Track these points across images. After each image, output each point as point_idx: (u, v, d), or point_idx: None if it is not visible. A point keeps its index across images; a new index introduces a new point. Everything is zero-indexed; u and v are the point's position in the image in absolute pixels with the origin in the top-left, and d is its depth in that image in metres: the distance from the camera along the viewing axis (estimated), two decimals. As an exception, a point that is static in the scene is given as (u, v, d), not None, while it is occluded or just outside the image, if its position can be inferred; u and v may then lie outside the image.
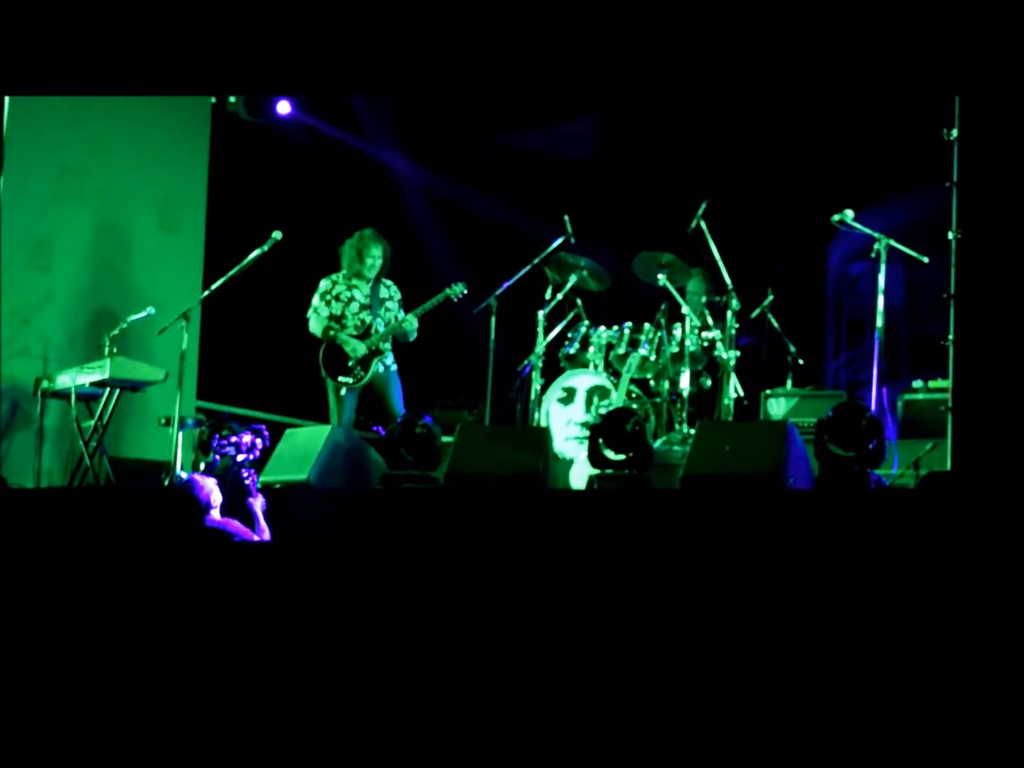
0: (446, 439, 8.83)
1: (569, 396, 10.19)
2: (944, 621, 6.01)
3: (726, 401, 9.95)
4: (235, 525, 7.20)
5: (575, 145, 12.34)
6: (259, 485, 7.57)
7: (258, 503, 7.36)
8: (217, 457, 7.44)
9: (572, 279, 10.51)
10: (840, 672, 5.97)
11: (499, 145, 12.47)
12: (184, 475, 8.57)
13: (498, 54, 7.75)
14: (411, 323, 9.97)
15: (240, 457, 7.38)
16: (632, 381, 10.04)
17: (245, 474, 7.38)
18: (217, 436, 7.49)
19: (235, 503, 7.27)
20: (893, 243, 9.33)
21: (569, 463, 9.85)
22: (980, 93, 7.61)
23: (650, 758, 5.97)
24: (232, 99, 11.97)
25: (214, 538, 7.11)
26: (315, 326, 9.99)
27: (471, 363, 11.19)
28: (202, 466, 8.55)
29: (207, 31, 7.76)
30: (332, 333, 9.88)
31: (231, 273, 9.62)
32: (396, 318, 10.05)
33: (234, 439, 7.42)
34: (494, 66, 7.90)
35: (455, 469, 8.44)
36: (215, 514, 7.21)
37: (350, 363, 9.82)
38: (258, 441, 7.46)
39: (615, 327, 10.25)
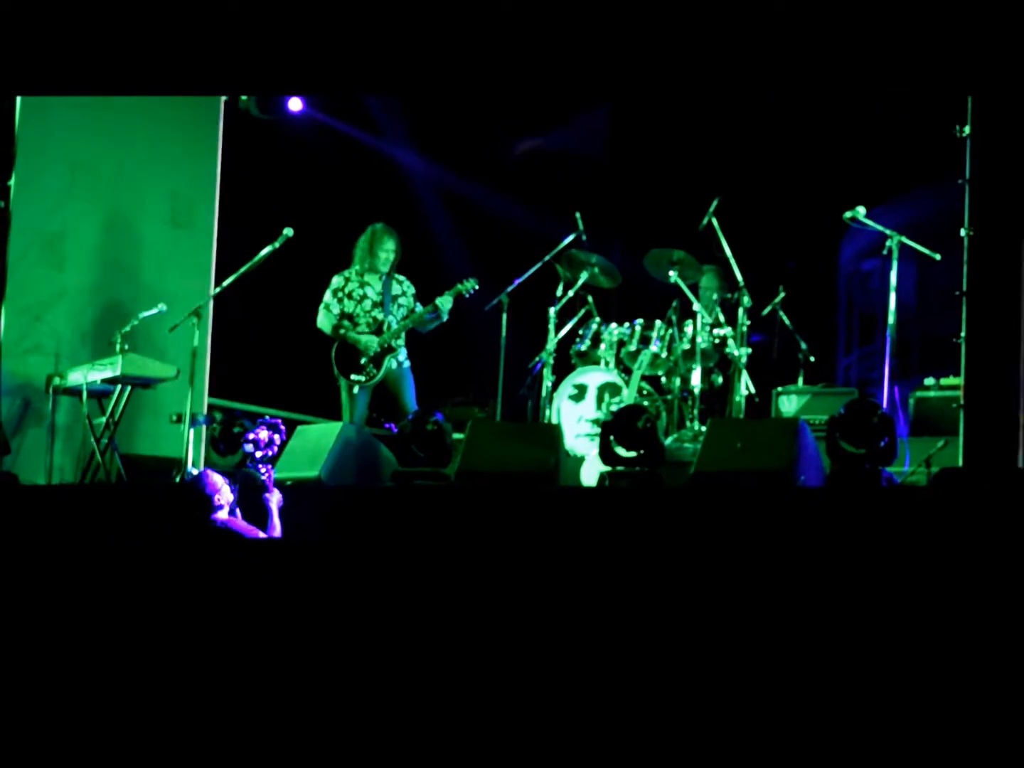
0: (457, 436, 8.83)
1: (580, 393, 10.18)
2: (955, 617, 6.00)
3: (737, 398, 9.95)
4: (240, 525, 7.17)
5: (587, 142, 12.33)
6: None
7: (275, 499, 7.32)
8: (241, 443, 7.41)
9: (583, 276, 10.50)
10: (851, 668, 5.97)
11: (511, 142, 12.46)
12: (195, 470, 8.56)
13: (509, 49, 7.75)
14: (446, 301, 9.85)
15: (258, 454, 7.35)
16: (643, 378, 10.02)
17: (263, 470, 7.34)
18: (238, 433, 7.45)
19: (251, 499, 7.25)
20: (905, 240, 9.31)
21: (580, 460, 9.84)
22: (993, 90, 7.60)
23: (660, 755, 5.96)
24: (244, 96, 11.96)
25: (223, 535, 7.09)
26: (323, 321, 9.95)
27: (482, 360, 11.18)
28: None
29: (218, 31, 7.77)
30: (342, 332, 9.85)
31: (242, 270, 9.64)
32: (413, 311, 9.99)
33: (252, 436, 7.39)
34: (505, 61, 7.91)
35: (466, 466, 8.44)
36: (222, 514, 7.17)
37: (362, 360, 9.79)
38: (276, 437, 7.43)
39: (626, 324, 10.23)
